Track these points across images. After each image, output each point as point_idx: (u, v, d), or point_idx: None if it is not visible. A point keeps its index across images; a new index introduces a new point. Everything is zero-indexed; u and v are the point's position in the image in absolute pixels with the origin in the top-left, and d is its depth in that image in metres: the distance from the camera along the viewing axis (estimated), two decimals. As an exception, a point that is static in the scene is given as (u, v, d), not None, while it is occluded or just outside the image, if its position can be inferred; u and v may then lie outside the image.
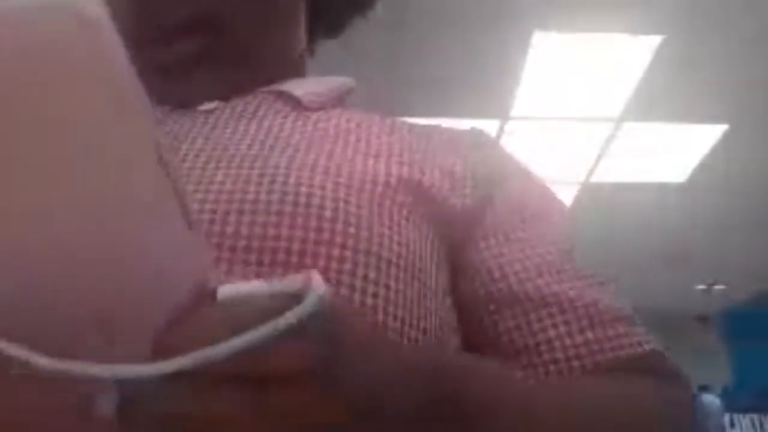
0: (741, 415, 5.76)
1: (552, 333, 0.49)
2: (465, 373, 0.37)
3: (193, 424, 0.24)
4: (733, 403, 5.80)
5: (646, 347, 0.51)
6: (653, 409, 0.47)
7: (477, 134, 0.61)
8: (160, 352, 0.25)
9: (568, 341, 0.49)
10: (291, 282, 0.27)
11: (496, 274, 0.51)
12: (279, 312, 0.25)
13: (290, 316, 0.25)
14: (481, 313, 0.51)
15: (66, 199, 0.23)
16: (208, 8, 0.55)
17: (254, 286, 0.28)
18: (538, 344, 0.49)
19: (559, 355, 0.48)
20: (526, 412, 0.39)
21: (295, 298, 0.26)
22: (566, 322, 0.49)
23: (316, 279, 0.27)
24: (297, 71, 0.64)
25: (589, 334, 0.49)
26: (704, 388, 5.66)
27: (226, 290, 0.27)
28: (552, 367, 0.48)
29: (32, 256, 0.23)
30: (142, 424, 0.25)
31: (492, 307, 0.51)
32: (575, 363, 0.48)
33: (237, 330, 0.24)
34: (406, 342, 0.45)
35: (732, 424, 5.74)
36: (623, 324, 0.51)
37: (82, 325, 0.24)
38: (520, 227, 0.54)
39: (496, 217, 0.54)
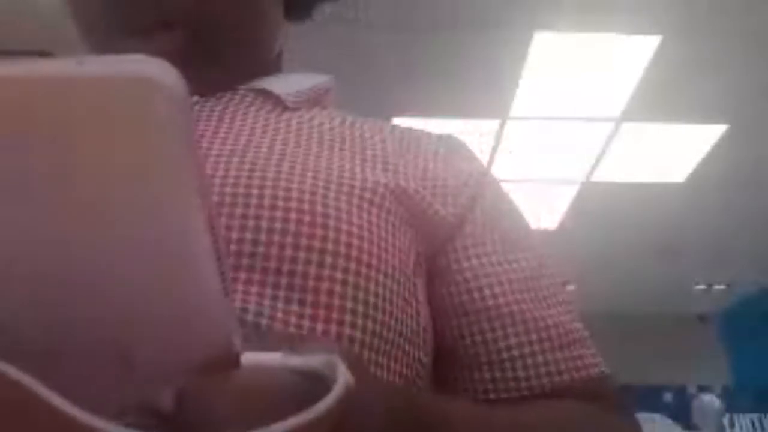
0: (741, 415, 5.75)
1: (516, 352, 0.51)
2: (445, 420, 0.39)
3: None
4: (733, 403, 5.80)
5: (598, 370, 0.54)
6: None
7: (452, 141, 0.61)
8: (188, 409, 0.25)
9: (530, 361, 0.51)
10: (313, 360, 0.28)
11: (471, 285, 0.53)
12: (304, 394, 0.26)
13: (321, 407, 0.25)
14: (452, 321, 0.53)
15: (112, 239, 0.23)
16: (187, 6, 0.54)
17: (275, 358, 0.28)
18: (502, 361, 0.51)
19: (521, 374, 0.51)
20: None
21: (318, 378, 0.27)
22: (530, 342, 0.52)
23: (340, 366, 0.27)
24: (276, 68, 0.64)
25: (549, 356, 0.52)
26: (704, 388, 5.66)
27: (248, 357, 0.27)
28: (512, 384, 0.51)
29: (61, 282, 0.23)
30: None
31: (463, 317, 0.52)
32: (534, 382, 0.51)
33: (267, 410, 0.24)
34: (388, 366, 0.46)
35: (732, 424, 5.74)
36: (580, 346, 0.54)
37: (102, 355, 0.25)
38: (498, 240, 0.55)
39: (475, 227, 0.55)
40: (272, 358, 0.28)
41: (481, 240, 0.54)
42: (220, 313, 0.26)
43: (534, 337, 0.52)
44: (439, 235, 0.53)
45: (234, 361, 0.26)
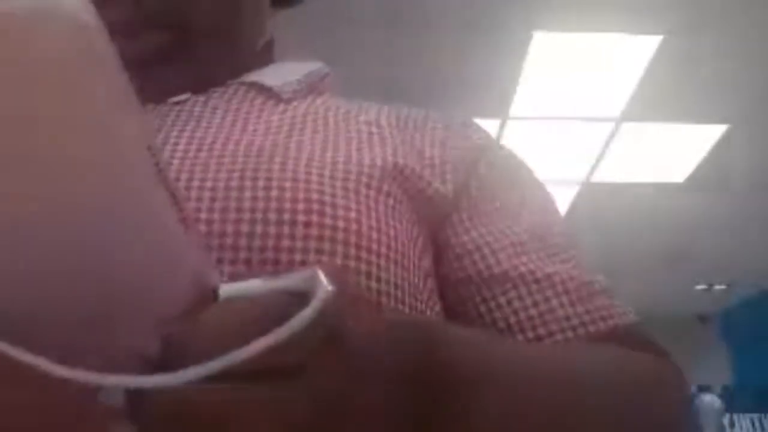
0: (741, 415, 5.75)
1: (533, 311, 0.49)
2: (457, 339, 0.36)
3: (192, 417, 0.24)
4: (733, 403, 5.80)
5: (627, 320, 0.51)
6: (653, 375, 0.47)
7: (451, 117, 0.60)
8: (172, 351, 0.25)
9: (549, 317, 0.49)
10: (291, 280, 0.27)
11: (475, 257, 0.51)
12: (284, 312, 0.25)
13: (302, 318, 0.24)
14: (461, 295, 0.51)
15: (59, 198, 0.23)
16: (173, 3, 0.53)
17: (253, 284, 0.27)
18: (520, 322, 0.49)
19: (542, 331, 0.49)
20: (522, 376, 0.38)
21: (298, 296, 0.26)
22: (546, 299, 0.49)
23: (321, 279, 0.26)
24: (268, 59, 0.63)
25: (570, 309, 0.49)
26: (704, 388, 5.66)
27: (227, 288, 0.27)
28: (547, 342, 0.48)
29: (27, 256, 0.23)
30: (148, 415, 0.24)
31: (473, 287, 0.51)
32: (560, 337, 0.48)
33: (247, 332, 0.24)
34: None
35: (732, 424, 5.74)
36: (602, 297, 0.51)
37: (82, 321, 0.24)
38: (494, 209, 0.54)
39: (471, 199, 0.54)
40: (253, 285, 0.27)
41: (476, 212, 0.53)
42: (184, 251, 0.25)
43: (550, 293, 0.50)
44: (439, 213, 0.52)
45: (212, 296, 0.26)
